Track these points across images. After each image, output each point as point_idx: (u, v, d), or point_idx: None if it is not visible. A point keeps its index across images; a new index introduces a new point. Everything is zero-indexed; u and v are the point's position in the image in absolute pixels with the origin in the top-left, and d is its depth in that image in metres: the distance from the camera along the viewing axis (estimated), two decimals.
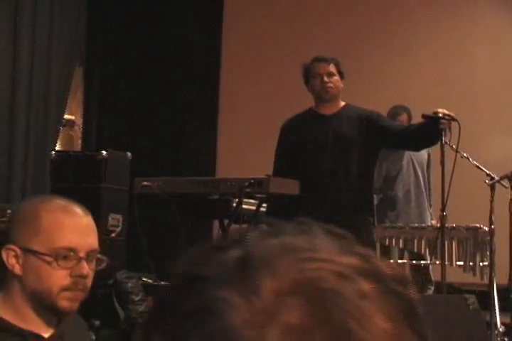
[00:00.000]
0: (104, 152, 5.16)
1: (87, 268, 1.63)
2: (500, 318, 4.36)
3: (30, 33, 5.72)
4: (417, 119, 4.39)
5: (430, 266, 5.29)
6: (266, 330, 0.46)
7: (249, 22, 7.31)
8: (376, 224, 4.46)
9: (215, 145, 7.29)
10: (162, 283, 4.52)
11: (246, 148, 6.95)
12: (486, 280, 4.55)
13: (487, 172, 4.42)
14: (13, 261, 1.64)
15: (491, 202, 4.31)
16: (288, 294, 0.47)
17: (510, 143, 6.54)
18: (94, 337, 4.34)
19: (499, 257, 4.45)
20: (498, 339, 4.24)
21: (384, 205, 5.37)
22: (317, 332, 0.46)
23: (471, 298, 3.70)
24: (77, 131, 7.21)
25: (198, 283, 0.49)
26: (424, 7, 6.93)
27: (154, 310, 0.52)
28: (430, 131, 3.92)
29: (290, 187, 4.00)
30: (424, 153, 5.43)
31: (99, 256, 1.68)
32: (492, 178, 4.38)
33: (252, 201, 4.24)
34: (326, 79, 4.14)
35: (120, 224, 5.17)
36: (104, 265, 1.70)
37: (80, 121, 7.26)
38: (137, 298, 4.64)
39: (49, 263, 1.61)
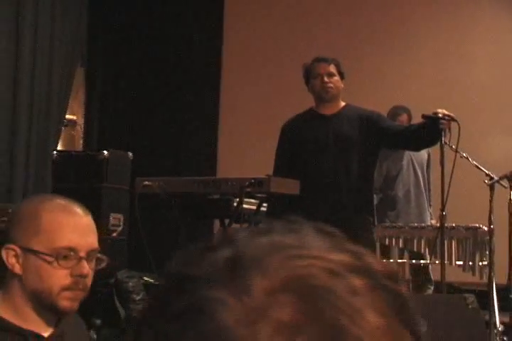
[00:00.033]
0: (105, 152, 5.17)
1: (87, 268, 1.64)
2: (500, 317, 4.36)
3: (32, 33, 5.73)
4: (417, 119, 4.40)
5: (430, 266, 5.29)
6: (258, 328, 0.46)
7: (249, 22, 7.32)
8: (376, 223, 4.47)
9: (215, 145, 7.31)
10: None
11: (246, 147, 6.96)
12: (485, 280, 4.56)
13: (486, 172, 4.42)
14: (13, 260, 1.64)
15: (491, 202, 4.30)
16: (279, 292, 0.47)
17: (510, 143, 6.55)
18: (95, 336, 4.36)
19: (498, 257, 4.44)
20: (497, 338, 4.25)
21: (384, 205, 5.37)
22: (309, 329, 0.46)
23: (471, 298, 3.71)
24: (79, 130, 7.22)
25: (189, 283, 0.49)
26: (424, 7, 6.93)
27: (146, 311, 0.52)
28: (430, 131, 3.92)
29: (291, 186, 4.01)
30: (424, 153, 5.44)
31: (99, 255, 1.69)
32: (491, 178, 4.38)
33: (253, 201, 4.24)
34: (326, 79, 4.15)
35: (121, 223, 5.18)
36: (103, 264, 1.70)
37: (81, 121, 7.27)
38: (138, 298, 4.65)
39: (50, 262, 1.61)
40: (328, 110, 4.23)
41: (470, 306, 3.66)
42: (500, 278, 4.42)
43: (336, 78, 4.17)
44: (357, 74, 5.89)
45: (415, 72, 6.80)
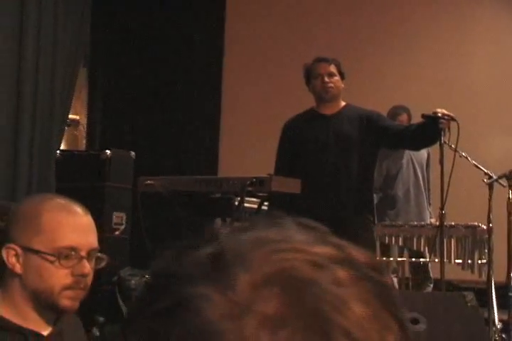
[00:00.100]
0: (108, 151, 5.20)
1: (88, 267, 1.64)
2: (498, 315, 4.37)
3: (35, 33, 5.75)
4: (416, 119, 4.42)
5: (429, 264, 5.30)
6: (243, 322, 0.46)
7: (250, 22, 7.33)
8: (376, 222, 4.49)
9: (217, 144, 7.32)
10: None
11: (247, 147, 6.98)
12: (484, 278, 4.56)
13: (485, 171, 4.43)
14: (13, 260, 1.63)
15: (489, 200, 4.30)
16: (263, 285, 0.47)
17: (509, 143, 6.56)
18: (98, 333, 4.39)
19: (497, 255, 4.45)
20: (496, 335, 4.26)
21: (384, 204, 5.39)
22: (294, 321, 0.46)
23: (470, 295, 3.72)
24: (82, 130, 7.24)
25: (174, 281, 0.49)
26: (424, 7, 6.93)
27: (132, 310, 0.52)
28: (430, 130, 3.94)
29: (292, 186, 4.03)
30: (423, 153, 5.45)
31: (98, 254, 1.69)
32: (490, 177, 4.38)
33: (254, 199, 4.26)
34: (326, 79, 4.18)
35: (124, 222, 5.21)
36: (103, 264, 1.70)
37: (84, 121, 7.29)
38: None
39: (51, 262, 1.61)
40: (328, 110, 4.25)
41: (469, 304, 3.68)
42: (498, 276, 4.43)
43: (337, 78, 4.20)
44: (357, 75, 5.90)
45: (415, 72, 6.81)
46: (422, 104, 4.80)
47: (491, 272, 4.37)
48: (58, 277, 1.62)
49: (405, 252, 5.23)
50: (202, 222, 4.07)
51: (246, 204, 4.14)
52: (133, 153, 5.43)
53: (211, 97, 7.31)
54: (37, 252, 1.61)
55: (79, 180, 5.10)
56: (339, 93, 4.23)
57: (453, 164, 3.87)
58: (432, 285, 5.42)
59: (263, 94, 7.11)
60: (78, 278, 1.63)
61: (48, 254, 1.61)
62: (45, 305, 1.64)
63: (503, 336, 4.30)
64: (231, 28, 7.39)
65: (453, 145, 3.98)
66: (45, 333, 1.66)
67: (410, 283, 5.38)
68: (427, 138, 4.04)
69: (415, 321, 3.46)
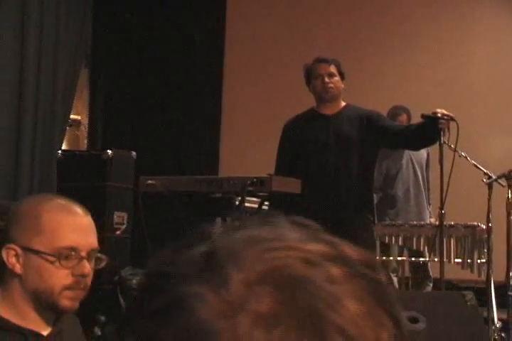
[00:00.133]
0: (109, 151, 5.21)
1: (88, 268, 1.64)
2: (498, 314, 4.38)
3: (36, 33, 5.77)
4: (416, 119, 4.43)
5: (429, 263, 5.30)
6: (237, 321, 0.46)
7: (251, 22, 7.34)
8: (376, 222, 4.51)
9: (217, 144, 7.33)
10: None
11: (248, 147, 6.99)
12: (483, 277, 4.57)
13: (485, 171, 4.44)
14: (13, 260, 1.63)
15: (489, 200, 4.30)
16: (256, 284, 0.47)
17: (509, 143, 6.57)
18: (99, 333, 4.41)
19: (496, 254, 4.46)
20: (495, 334, 4.28)
21: (384, 203, 5.40)
22: (287, 319, 0.46)
23: (469, 295, 3.72)
24: (83, 130, 7.26)
25: (168, 280, 0.49)
26: (424, 7, 6.94)
27: (128, 311, 0.52)
28: (429, 130, 3.94)
29: (292, 185, 4.04)
30: (423, 153, 5.46)
31: (98, 255, 1.69)
32: (490, 177, 4.39)
33: (255, 199, 4.28)
34: (326, 79, 4.19)
35: (125, 221, 5.23)
36: (103, 264, 1.70)
37: (85, 121, 7.31)
38: None
39: (51, 262, 1.61)
40: (328, 110, 4.27)
41: (468, 303, 3.69)
42: (498, 275, 4.43)
43: (337, 78, 4.21)
44: (357, 75, 5.91)
45: (415, 72, 6.81)
46: (422, 104, 4.81)
47: (491, 271, 4.38)
48: (58, 277, 1.62)
49: (405, 252, 5.25)
50: (202, 222, 4.08)
51: (246, 204, 4.15)
52: (134, 153, 5.45)
53: (212, 97, 7.32)
54: (37, 252, 1.61)
55: (80, 179, 5.11)
56: (339, 93, 4.25)
57: (452, 164, 3.87)
58: (431, 285, 5.43)
59: (263, 94, 7.12)
60: (78, 278, 1.64)
61: (48, 254, 1.61)
62: (45, 305, 1.64)
63: (503, 335, 4.31)
64: (231, 28, 7.40)
65: (452, 145, 3.99)
66: (44, 333, 1.67)
67: (410, 283, 5.40)
68: (427, 138, 4.05)
69: (415, 320, 3.47)
